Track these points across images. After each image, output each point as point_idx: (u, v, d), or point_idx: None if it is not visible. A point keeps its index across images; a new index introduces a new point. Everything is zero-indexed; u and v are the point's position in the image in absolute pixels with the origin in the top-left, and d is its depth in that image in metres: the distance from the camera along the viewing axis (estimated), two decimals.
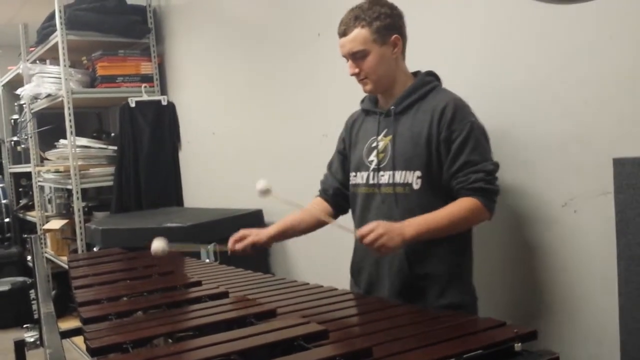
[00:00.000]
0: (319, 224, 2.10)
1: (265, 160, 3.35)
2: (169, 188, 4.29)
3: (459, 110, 1.83)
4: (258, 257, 2.51)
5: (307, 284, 2.11)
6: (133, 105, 4.20)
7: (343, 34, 1.91)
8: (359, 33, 1.87)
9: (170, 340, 1.39)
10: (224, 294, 1.71)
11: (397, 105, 1.92)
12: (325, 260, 2.86)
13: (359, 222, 1.98)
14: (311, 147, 2.88)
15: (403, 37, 1.92)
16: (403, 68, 1.96)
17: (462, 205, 1.77)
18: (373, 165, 1.94)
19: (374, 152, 1.94)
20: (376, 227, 1.71)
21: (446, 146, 1.82)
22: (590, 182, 1.79)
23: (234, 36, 3.55)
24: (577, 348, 1.84)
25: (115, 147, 4.32)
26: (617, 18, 1.69)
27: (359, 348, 1.16)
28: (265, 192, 1.93)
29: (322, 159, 2.22)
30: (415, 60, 1.99)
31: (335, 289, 1.92)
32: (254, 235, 2.03)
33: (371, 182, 1.95)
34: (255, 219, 3.30)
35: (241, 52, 3.48)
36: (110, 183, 4.28)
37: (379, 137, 1.94)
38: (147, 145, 4.21)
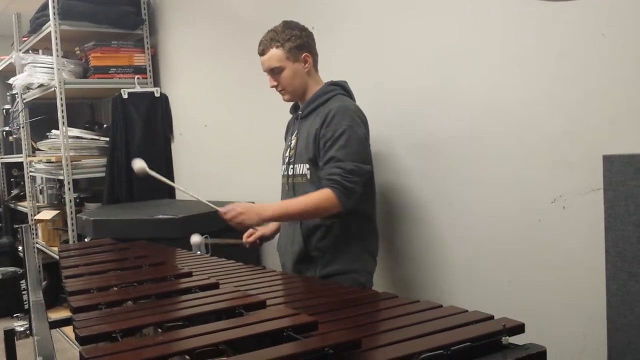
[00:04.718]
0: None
1: (256, 153, 3.35)
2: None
3: (339, 114, 2.10)
4: (249, 250, 2.52)
5: (297, 275, 2.12)
6: (126, 96, 4.19)
7: (261, 53, 2.23)
8: (274, 53, 2.20)
9: (159, 330, 1.39)
10: (214, 285, 1.72)
11: (303, 110, 2.26)
12: None
13: None
14: None
15: (312, 54, 2.24)
16: (316, 79, 2.27)
17: (317, 194, 2.07)
18: (287, 159, 2.28)
19: (289, 149, 2.29)
20: (236, 207, 2.12)
21: (323, 144, 2.11)
22: (580, 178, 1.80)
23: (228, 28, 3.55)
24: (564, 342, 1.85)
25: (108, 139, 4.31)
26: (610, 16, 1.70)
27: (348, 339, 1.16)
28: (141, 171, 2.48)
29: None
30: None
31: (325, 281, 1.92)
32: (261, 230, 2.43)
33: (285, 173, 2.29)
34: None
35: (235, 45, 3.47)
36: (102, 174, 4.27)
37: (292, 137, 2.29)
38: (139, 137, 4.20)
